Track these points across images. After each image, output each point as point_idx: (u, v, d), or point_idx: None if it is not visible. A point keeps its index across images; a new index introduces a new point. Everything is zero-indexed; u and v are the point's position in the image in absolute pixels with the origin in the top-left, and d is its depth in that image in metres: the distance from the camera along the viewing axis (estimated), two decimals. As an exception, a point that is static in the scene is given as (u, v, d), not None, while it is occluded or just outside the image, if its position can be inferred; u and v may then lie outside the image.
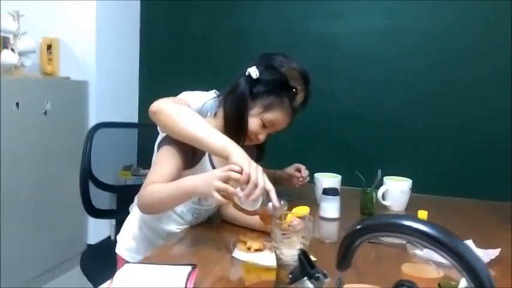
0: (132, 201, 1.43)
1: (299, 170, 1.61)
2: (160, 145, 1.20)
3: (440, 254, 0.46)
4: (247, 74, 1.22)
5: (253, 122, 1.22)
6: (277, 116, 1.22)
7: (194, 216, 1.29)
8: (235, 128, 1.21)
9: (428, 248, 0.46)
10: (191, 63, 2.69)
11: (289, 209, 1.09)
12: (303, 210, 1.17)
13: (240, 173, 1.01)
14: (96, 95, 2.47)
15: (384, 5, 2.43)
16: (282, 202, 1.06)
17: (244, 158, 1.04)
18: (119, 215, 1.65)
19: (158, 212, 1.20)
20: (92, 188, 1.71)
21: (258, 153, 1.35)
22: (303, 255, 0.56)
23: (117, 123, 1.97)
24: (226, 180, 1.01)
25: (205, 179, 1.03)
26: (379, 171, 1.56)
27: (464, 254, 0.44)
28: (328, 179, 1.60)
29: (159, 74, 2.74)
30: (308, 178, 1.62)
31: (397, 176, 1.64)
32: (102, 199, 1.79)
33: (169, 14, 2.71)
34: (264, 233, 1.17)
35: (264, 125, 1.23)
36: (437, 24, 2.38)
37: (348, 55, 2.50)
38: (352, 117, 2.49)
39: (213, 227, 1.32)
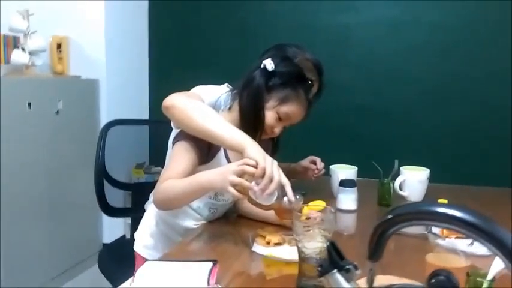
0: (146, 199, 1.43)
1: (314, 163, 1.60)
2: (175, 140, 1.19)
3: (478, 241, 0.44)
4: (262, 66, 1.20)
5: (269, 115, 1.20)
6: (293, 109, 1.21)
7: (211, 211, 1.28)
8: (252, 122, 1.19)
9: (466, 235, 0.44)
10: (200, 60, 2.68)
11: (305, 203, 1.08)
12: (319, 204, 1.15)
13: (255, 167, 1.00)
14: (106, 93, 2.47)
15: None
16: (297, 197, 1.05)
17: (259, 152, 1.03)
18: (134, 213, 1.67)
19: (174, 208, 1.20)
20: (107, 186, 1.72)
21: (273, 146, 1.34)
22: (332, 246, 0.55)
23: (130, 121, 1.99)
24: (241, 174, 1.00)
25: (221, 174, 1.03)
26: (396, 162, 1.55)
27: (504, 239, 0.42)
28: (344, 171, 1.59)
29: (169, 71, 2.73)
30: (323, 170, 1.61)
31: (414, 165, 1.62)
32: (117, 197, 1.80)
33: (178, 10, 2.70)
34: (282, 227, 1.16)
35: (279, 118, 1.22)
36: (449, 15, 2.34)
37: (359, 47, 2.48)
38: (366, 108, 2.47)
39: (230, 222, 1.31)
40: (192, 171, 1.12)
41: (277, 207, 1.05)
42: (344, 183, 1.46)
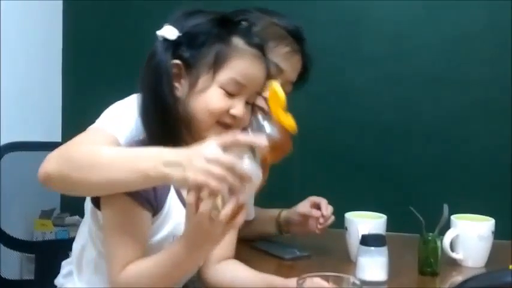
0: (56, 269, 1.43)
1: (317, 207, 1.61)
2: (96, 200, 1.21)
3: None
4: (160, 39, 1.21)
5: (211, 95, 1.19)
6: (238, 68, 1.20)
7: None
8: (161, 122, 1.18)
9: None
10: (130, 65, 2.67)
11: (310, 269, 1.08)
12: None
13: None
14: (2, 105, 2.42)
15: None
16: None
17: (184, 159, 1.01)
18: None
19: None
20: None
21: None
22: None
23: (34, 144, 1.96)
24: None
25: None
26: (445, 207, 1.55)
27: None
28: (367, 221, 1.59)
29: (91, 78, 2.73)
30: (333, 218, 1.62)
31: (471, 213, 1.64)
32: (12, 264, 1.84)
33: (102, 5, 2.73)
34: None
35: (228, 93, 1.20)
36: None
37: (378, 35, 2.49)
38: (395, 128, 2.46)
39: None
40: (147, 237, 1.18)
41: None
42: (367, 241, 1.45)
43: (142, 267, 1.13)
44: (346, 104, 2.42)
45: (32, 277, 1.83)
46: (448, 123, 2.44)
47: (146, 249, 1.19)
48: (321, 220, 1.58)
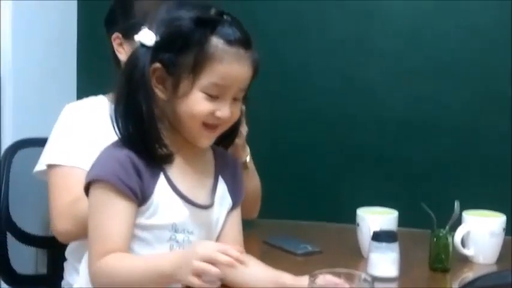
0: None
1: None
2: (86, 182, 1.21)
3: None
4: (139, 44, 1.20)
5: (194, 101, 1.17)
6: (218, 71, 1.17)
7: None
8: (138, 126, 1.18)
9: None
10: None
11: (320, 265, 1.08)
12: None
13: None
14: (13, 98, 2.43)
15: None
16: None
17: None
18: (52, 283, 1.71)
19: None
20: (11, 241, 1.71)
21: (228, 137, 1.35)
22: None
23: (46, 140, 1.93)
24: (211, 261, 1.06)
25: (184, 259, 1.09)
26: (457, 203, 1.55)
27: None
28: (379, 217, 1.59)
29: (104, 70, 2.68)
30: None
31: (482, 209, 1.63)
32: (26, 259, 1.80)
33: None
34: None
35: (211, 96, 1.18)
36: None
37: (390, 29, 2.48)
38: (407, 123, 2.45)
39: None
40: (132, 228, 1.18)
41: None
42: (379, 237, 1.45)
43: (119, 263, 1.14)
44: (358, 99, 2.42)
45: (45, 271, 1.83)
46: (461, 118, 2.42)
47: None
48: None
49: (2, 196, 1.67)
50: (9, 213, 1.68)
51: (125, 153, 1.16)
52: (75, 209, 1.43)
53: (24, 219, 1.77)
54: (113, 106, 1.22)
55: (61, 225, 1.50)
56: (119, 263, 1.14)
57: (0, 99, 2.43)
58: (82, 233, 1.29)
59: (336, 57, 2.41)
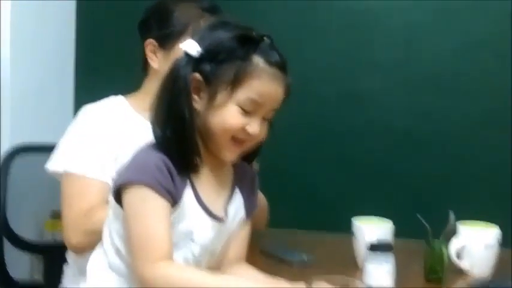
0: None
1: None
2: (119, 185, 1.20)
3: None
4: (183, 53, 1.23)
5: (228, 113, 1.20)
6: (256, 87, 1.20)
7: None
8: (177, 134, 1.19)
9: None
10: (140, 65, 2.68)
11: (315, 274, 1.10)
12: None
13: None
14: (10, 103, 2.43)
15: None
16: None
17: None
18: None
19: None
20: (7, 247, 1.72)
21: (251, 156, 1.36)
22: None
23: (45, 147, 1.92)
24: None
25: None
26: (451, 214, 1.55)
27: None
28: (374, 228, 1.60)
29: (105, 71, 2.72)
30: None
31: (477, 220, 1.64)
32: (22, 265, 1.83)
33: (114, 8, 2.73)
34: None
35: (245, 111, 1.21)
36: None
37: (390, 40, 2.49)
38: (404, 133, 2.46)
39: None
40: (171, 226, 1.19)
41: None
42: (375, 247, 1.45)
43: (175, 274, 1.15)
44: (356, 109, 2.42)
45: (40, 277, 1.83)
46: (458, 129, 2.43)
47: None
48: None
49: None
50: (6, 218, 1.68)
51: (160, 157, 1.18)
52: (90, 221, 1.44)
53: (21, 225, 1.77)
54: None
55: (75, 237, 1.49)
56: (173, 273, 1.15)
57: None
58: (95, 245, 1.30)
59: (335, 69, 2.42)
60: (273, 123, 1.29)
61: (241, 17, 1.36)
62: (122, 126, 1.58)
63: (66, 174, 1.55)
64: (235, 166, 1.34)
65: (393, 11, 2.49)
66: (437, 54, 2.45)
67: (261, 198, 1.64)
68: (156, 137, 1.23)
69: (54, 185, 1.70)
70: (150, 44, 1.63)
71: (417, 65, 2.46)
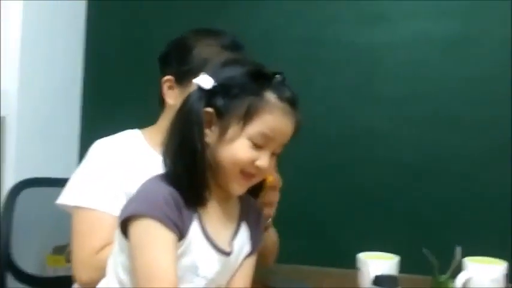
0: None
1: None
2: (125, 216, 1.19)
3: None
4: (196, 87, 1.25)
5: (239, 147, 1.22)
6: (268, 122, 1.22)
7: None
8: (188, 167, 1.20)
9: None
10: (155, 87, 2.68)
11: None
12: None
13: None
14: (16, 138, 2.44)
15: (446, 5, 2.47)
16: None
17: None
18: None
19: None
20: (9, 281, 1.72)
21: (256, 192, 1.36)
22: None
23: (50, 180, 1.96)
24: None
25: None
26: (458, 249, 1.56)
27: None
28: (380, 262, 1.59)
29: (112, 106, 2.73)
30: None
31: (484, 256, 1.62)
32: None
33: (127, 18, 2.74)
34: None
35: (255, 145, 1.22)
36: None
37: (394, 76, 2.51)
38: (408, 166, 2.46)
39: None
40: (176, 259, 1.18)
41: None
42: (380, 282, 1.45)
43: None
44: (361, 143, 2.44)
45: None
46: (463, 164, 2.44)
47: None
48: None
49: (4, 236, 1.67)
50: (9, 253, 1.68)
51: (169, 190, 1.18)
52: (102, 258, 1.40)
53: (24, 259, 1.76)
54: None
55: (86, 274, 1.47)
56: None
57: (2, 139, 2.44)
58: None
59: (339, 103, 2.44)
60: (280, 159, 1.30)
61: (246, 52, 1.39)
62: (134, 160, 1.57)
63: (77, 209, 1.54)
64: (241, 199, 1.34)
65: (397, 46, 2.52)
66: (442, 91, 2.47)
67: (272, 233, 1.63)
68: (166, 169, 1.23)
69: (58, 219, 1.70)
70: (168, 80, 1.62)
71: (424, 100, 2.48)
